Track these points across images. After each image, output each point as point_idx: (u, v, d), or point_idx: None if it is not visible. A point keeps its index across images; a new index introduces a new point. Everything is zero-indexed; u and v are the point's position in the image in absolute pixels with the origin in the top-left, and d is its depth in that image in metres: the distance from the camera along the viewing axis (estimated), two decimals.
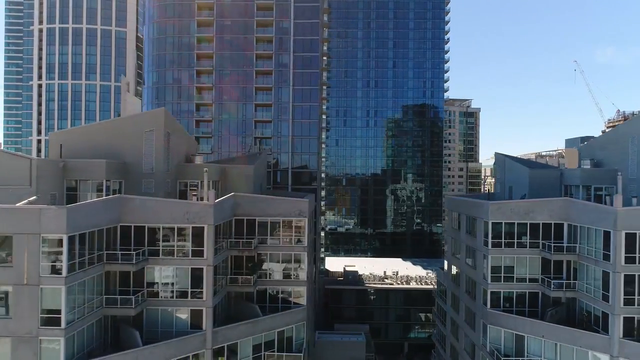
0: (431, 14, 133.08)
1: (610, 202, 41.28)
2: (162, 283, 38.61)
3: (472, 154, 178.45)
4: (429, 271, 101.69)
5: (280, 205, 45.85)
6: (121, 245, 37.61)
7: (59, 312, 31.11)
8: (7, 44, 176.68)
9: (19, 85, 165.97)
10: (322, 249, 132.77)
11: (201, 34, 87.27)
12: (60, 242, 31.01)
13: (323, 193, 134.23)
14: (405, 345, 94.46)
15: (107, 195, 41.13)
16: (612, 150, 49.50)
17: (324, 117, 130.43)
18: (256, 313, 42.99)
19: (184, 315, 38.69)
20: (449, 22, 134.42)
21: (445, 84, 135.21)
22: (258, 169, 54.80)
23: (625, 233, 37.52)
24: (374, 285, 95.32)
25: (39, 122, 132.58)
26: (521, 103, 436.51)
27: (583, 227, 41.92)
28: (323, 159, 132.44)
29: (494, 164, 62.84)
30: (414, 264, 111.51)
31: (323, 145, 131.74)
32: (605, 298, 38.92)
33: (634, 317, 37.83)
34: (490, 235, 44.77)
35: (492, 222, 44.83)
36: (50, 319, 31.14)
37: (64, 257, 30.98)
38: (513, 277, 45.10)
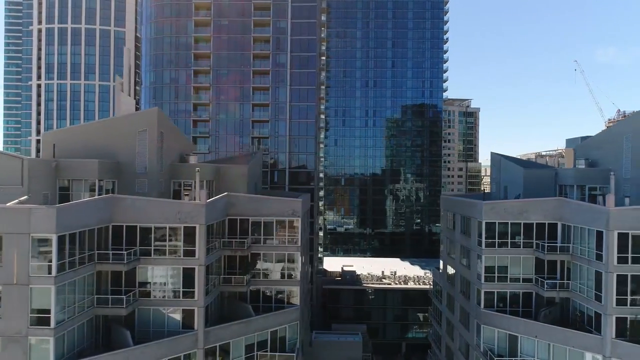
0: (430, 14, 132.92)
1: (603, 202, 41.15)
2: (154, 283, 38.60)
3: (471, 154, 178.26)
4: (427, 271, 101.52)
5: (274, 205, 45.81)
6: (113, 245, 37.61)
7: (48, 311, 31.14)
8: (6, 44, 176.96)
9: (18, 85, 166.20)
10: (321, 249, 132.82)
11: (199, 34, 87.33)
12: (49, 241, 30.99)
13: (322, 193, 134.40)
14: (403, 345, 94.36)
15: (100, 195, 41.15)
16: (607, 149, 49.36)
17: (322, 117, 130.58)
18: (249, 313, 42.95)
19: (175, 315, 38.68)
20: (447, 22, 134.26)
21: (444, 84, 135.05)
22: (253, 169, 54.76)
23: (618, 233, 37.40)
24: (372, 285, 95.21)
25: (38, 122, 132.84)
26: (521, 103, 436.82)
27: (576, 227, 41.81)
28: (322, 159, 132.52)
29: (490, 163, 62.72)
30: (412, 264, 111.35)
31: (322, 145, 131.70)
32: (598, 298, 38.80)
33: (626, 318, 37.69)
34: (484, 235, 44.67)
35: (486, 222, 44.71)
36: (40, 319, 31.16)
37: (54, 256, 30.99)
38: (507, 277, 44.95)
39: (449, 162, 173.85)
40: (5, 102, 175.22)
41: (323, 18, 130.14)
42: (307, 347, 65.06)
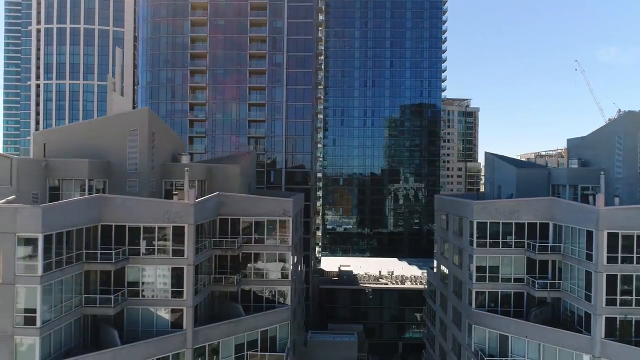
0: (428, 14, 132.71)
1: (594, 202, 40.98)
2: (143, 282, 38.58)
3: (471, 154, 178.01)
4: (425, 271, 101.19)
5: (265, 204, 45.77)
6: (102, 245, 37.61)
7: (34, 311, 31.14)
8: (6, 44, 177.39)
9: (17, 85, 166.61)
10: (319, 249, 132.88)
11: (195, 34, 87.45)
12: (35, 241, 30.99)
13: (320, 193, 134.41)
14: (399, 345, 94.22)
15: (90, 194, 41.15)
16: (599, 149, 49.21)
17: (320, 116, 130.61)
18: (239, 313, 42.90)
19: (164, 314, 38.67)
20: (446, 21, 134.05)
21: (442, 84, 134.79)
22: (246, 169, 54.73)
23: (608, 233, 37.27)
24: (369, 285, 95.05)
25: (37, 122, 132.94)
26: (521, 103, 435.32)
27: (567, 227, 41.68)
28: (320, 159, 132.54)
29: (484, 163, 62.60)
30: (409, 263, 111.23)
31: (320, 145, 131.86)
32: (588, 298, 38.68)
33: (615, 318, 37.55)
34: (475, 235, 44.57)
35: (477, 222, 44.61)
36: (26, 318, 31.17)
37: (39, 256, 30.98)
38: (498, 277, 44.84)
39: (448, 162, 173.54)
40: (5, 102, 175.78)
41: (321, 18, 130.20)
42: (302, 347, 65.06)
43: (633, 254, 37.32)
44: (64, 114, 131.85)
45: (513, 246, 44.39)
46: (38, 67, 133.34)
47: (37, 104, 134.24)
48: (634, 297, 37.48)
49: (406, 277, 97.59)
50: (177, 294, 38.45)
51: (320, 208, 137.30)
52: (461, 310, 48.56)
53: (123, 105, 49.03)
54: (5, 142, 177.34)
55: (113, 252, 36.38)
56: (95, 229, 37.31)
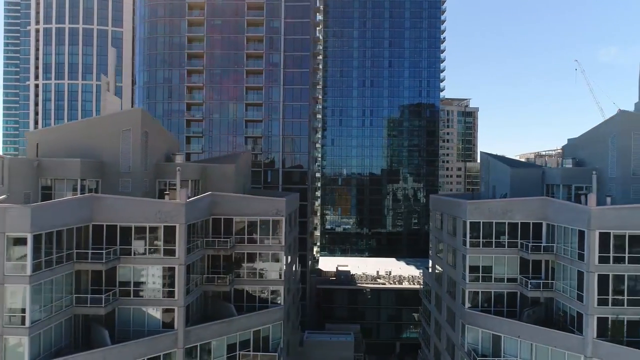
0: (427, 14, 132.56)
1: (586, 202, 40.87)
2: (135, 282, 38.56)
3: (470, 154, 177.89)
4: (422, 271, 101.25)
5: (258, 204, 45.74)
6: (94, 245, 37.61)
7: (23, 311, 31.16)
8: (6, 44, 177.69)
9: (17, 85, 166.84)
10: (318, 249, 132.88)
11: (192, 34, 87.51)
12: (24, 241, 30.99)
13: (318, 193, 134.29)
14: (397, 345, 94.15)
15: (83, 194, 41.15)
16: (593, 149, 49.10)
17: (318, 116, 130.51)
18: (231, 313, 42.86)
19: (156, 314, 38.66)
20: (444, 21, 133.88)
21: (441, 84, 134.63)
22: (240, 169, 54.71)
23: (599, 232, 37.16)
24: (366, 285, 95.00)
25: (36, 122, 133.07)
26: (521, 103, 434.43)
27: (560, 227, 41.59)
28: (318, 159, 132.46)
29: (480, 163, 62.51)
30: (407, 263, 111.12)
31: (318, 145, 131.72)
32: (580, 298, 38.58)
33: (607, 318, 37.44)
34: (468, 235, 44.49)
35: (470, 222, 44.52)
36: (15, 318, 31.16)
37: (28, 256, 31.01)
38: (491, 276, 44.75)
39: (447, 162, 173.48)
40: (5, 102, 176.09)
41: (320, 17, 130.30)
42: (297, 347, 65.03)
43: (625, 253, 37.21)
44: (63, 113, 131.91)
45: (506, 246, 44.30)
46: (37, 67, 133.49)
47: (36, 104, 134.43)
48: (625, 297, 37.37)
49: (404, 277, 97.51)
50: (168, 293, 38.46)
51: (319, 208, 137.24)
52: (455, 310, 48.49)
53: (117, 105, 48.96)
54: (4, 142, 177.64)
55: (104, 252, 36.35)
56: (86, 228, 37.31)
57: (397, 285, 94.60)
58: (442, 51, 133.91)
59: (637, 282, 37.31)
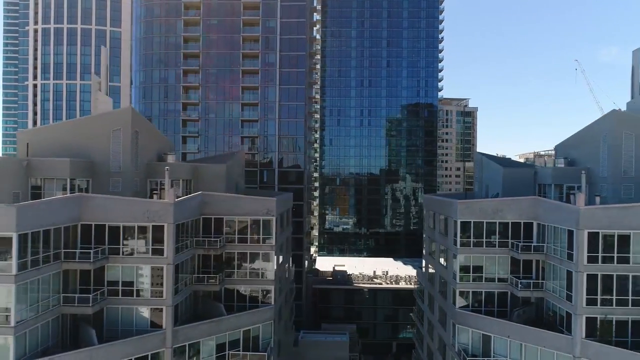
0: (425, 13, 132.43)
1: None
2: (123, 282, 38.53)
3: (469, 154, 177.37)
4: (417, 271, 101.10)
5: (248, 204, 45.70)
6: (82, 244, 37.60)
7: (8, 310, 31.12)
8: (5, 44, 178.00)
9: (16, 85, 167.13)
10: (316, 249, 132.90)
11: (188, 33, 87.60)
12: (10, 240, 30.97)
13: (317, 193, 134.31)
14: (393, 345, 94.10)
15: (73, 193, 41.15)
16: (585, 148, 48.97)
17: (316, 116, 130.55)
18: (221, 312, 42.82)
19: (144, 314, 38.62)
20: (442, 21, 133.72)
21: (439, 83, 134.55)
22: (232, 168, 54.67)
23: (588, 232, 37.05)
24: (363, 285, 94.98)
25: (35, 122, 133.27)
26: (521, 102, 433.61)
27: (550, 227, 41.48)
28: (316, 159, 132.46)
29: (474, 163, 62.38)
30: (404, 263, 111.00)
31: (316, 145, 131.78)
32: (569, 298, 38.45)
33: (596, 318, 37.31)
34: (458, 234, 44.39)
35: (461, 221, 44.42)
36: (0, 317, 31.13)
37: (14, 255, 30.96)
38: (482, 276, 44.65)
39: (446, 161, 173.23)
40: (4, 102, 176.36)
41: (318, 17, 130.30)
42: (290, 347, 65.01)
43: (614, 253, 37.09)
44: (61, 113, 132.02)
45: (497, 246, 44.18)
46: (35, 67, 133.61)
47: (35, 104, 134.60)
48: (614, 297, 37.24)
49: (401, 277, 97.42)
50: (156, 293, 38.42)
51: (317, 208, 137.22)
52: (446, 310, 48.39)
53: (108, 105, 49.00)
54: (4, 142, 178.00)
55: (92, 251, 36.33)
56: (74, 228, 37.31)
57: (394, 285, 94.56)
58: (441, 51, 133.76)
59: (626, 282, 37.15)
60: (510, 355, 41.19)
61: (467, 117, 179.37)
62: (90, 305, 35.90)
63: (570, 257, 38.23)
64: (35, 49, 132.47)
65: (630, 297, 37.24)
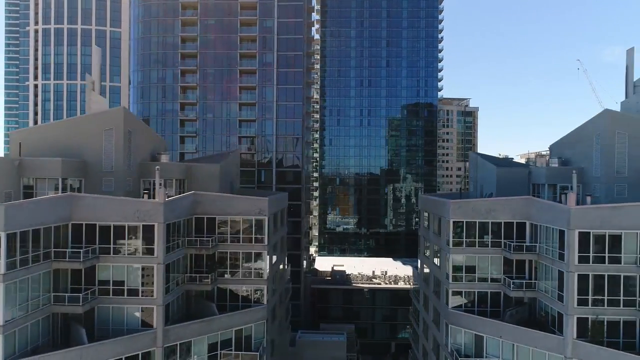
0: (424, 13, 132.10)
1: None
2: (114, 281, 38.61)
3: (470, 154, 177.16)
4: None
5: (240, 203, 45.71)
6: (73, 244, 37.71)
7: None
8: (6, 45, 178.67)
9: (17, 86, 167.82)
10: (316, 249, 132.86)
11: (185, 33, 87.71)
12: None
13: (316, 193, 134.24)
14: (392, 345, 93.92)
15: (65, 193, 41.24)
16: (578, 148, 48.75)
17: (315, 116, 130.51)
18: (213, 312, 42.84)
19: (135, 313, 38.69)
20: (442, 20, 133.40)
21: (439, 83, 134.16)
22: (226, 168, 54.69)
23: (579, 232, 36.89)
24: (361, 285, 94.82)
25: (35, 122, 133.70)
26: (522, 102, 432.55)
27: (542, 226, 41.32)
28: (316, 159, 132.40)
29: (469, 163, 62.25)
30: (404, 263, 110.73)
31: (316, 145, 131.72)
32: (561, 298, 38.30)
33: (587, 318, 37.15)
34: (451, 234, 44.28)
35: (454, 221, 44.30)
36: None
37: (2, 254, 31.06)
38: (475, 276, 44.50)
39: (446, 161, 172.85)
40: (6, 102, 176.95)
41: (317, 17, 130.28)
42: (287, 347, 65.01)
43: (605, 253, 36.93)
44: (62, 113, 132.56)
45: (490, 246, 44.03)
46: (36, 68, 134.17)
47: (36, 104, 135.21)
48: (605, 297, 37.08)
49: (399, 277, 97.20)
50: (147, 292, 38.49)
51: (317, 208, 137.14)
52: (440, 310, 48.28)
53: (102, 105, 49.07)
54: (6, 142, 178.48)
55: (82, 251, 36.38)
56: (65, 227, 37.42)
57: (392, 285, 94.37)
58: (440, 51, 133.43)
59: (617, 283, 36.98)
60: (502, 356, 41.05)
61: (468, 117, 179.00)
62: (81, 304, 35.98)
63: (561, 257, 38.08)
64: (36, 50, 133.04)
65: (621, 298, 37.08)
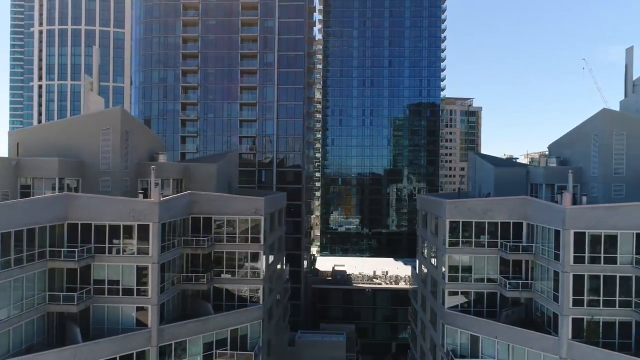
0: (427, 13, 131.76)
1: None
2: (109, 280, 38.76)
3: None
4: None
5: (236, 203, 45.79)
6: (69, 243, 37.88)
7: None
8: (12, 46, 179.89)
9: (22, 86, 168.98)
10: (318, 249, 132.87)
11: (187, 34, 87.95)
12: None
13: (318, 193, 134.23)
14: (392, 345, 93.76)
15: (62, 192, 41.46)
16: (577, 147, 48.48)
17: (318, 116, 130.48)
18: (208, 311, 42.93)
19: (130, 312, 38.81)
20: (445, 20, 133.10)
21: (442, 83, 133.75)
22: (224, 168, 54.79)
23: (574, 232, 36.67)
24: (362, 285, 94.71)
25: (40, 122, 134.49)
26: (526, 102, 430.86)
27: (539, 226, 41.12)
28: (318, 159, 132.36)
29: (468, 163, 62.06)
30: (405, 263, 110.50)
31: (318, 145, 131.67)
32: (556, 298, 38.09)
33: (582, 318, 36.93)
34: (447, 234, 44.14)
35: (450, 221, 44.19)
36: None
37: None
38: (471, 276, 44.35)
39: (450, 161, 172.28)
40: (11, 102, 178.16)
41: (320, 17, 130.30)
42: (285, 347, 65.05)
43: (600, 253, 36.70)
44: (66, 114, 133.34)
45: (486, 246, 43.86)
46: (40, 68, 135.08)
47: (40, 105, 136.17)
48: (601, 298, 36.85)
49: (400, 277, 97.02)
50: (142, 292, 38.61)
51: (319, 208, 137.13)
52: (436, 311, 48.16)
53: (100, 105, 49.36)
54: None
55: (77, 250, 36.55)
56: (61, 227, 37.60)
57: (393, 285, 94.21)
58: (443, 50, 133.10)
59: (613, 283, 36.74)
60: (498, 356, 40.90)
61: (472, 116, 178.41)
62: (75, 303, 36.14)
63: (557, 257, 37.86)
64: (40, 50, 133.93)
65: (617, 298, 36.84)
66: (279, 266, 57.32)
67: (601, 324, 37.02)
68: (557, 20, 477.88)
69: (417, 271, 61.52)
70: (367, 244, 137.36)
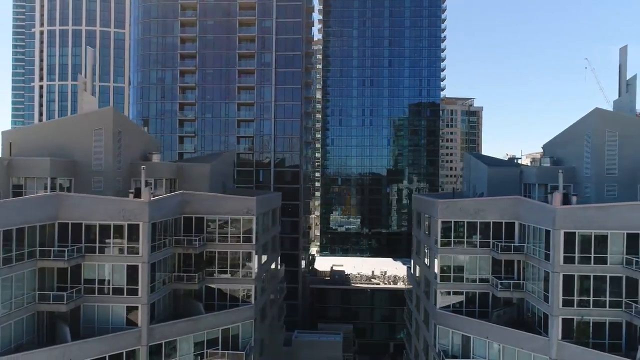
0: (427, 13, 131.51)
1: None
2: (99, 280, 38.89)
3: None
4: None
5: (228, 203, 45.83)
6: (60, 242, 37.99)
7: None
8: (14, 46, 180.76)
9: (23, 87, 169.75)
10: (318, 249, 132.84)
11: (185, 34, 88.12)
12: None
13: (318, 193, 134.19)
14: (390, 345, 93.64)
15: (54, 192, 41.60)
16: (570, 147, 48.30)
17: (318, 116, 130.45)
18: (199, 311, 42.99)
19: (120, 311, 38.90)
20: (445, 20, 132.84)
21: (442, 83, 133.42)
22: (218, 168, 54.85)
23: (564, 232, 36.53)
24: (360, 285, 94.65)
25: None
26: (527, 101, 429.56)
27: (530, 227, 41.00)
28: (318, 159, 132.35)
29: (463, 163, 61.87)
30: (404, 263, 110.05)
31: (318, 145, 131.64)
32: (547, 299, 37.96)
33: (572, 319, 36.78)
34: (439, 234, 44.07)
35: (442, 221, 44.10)
36: None
37: None
38: (463, 277, 44.25)
39: (450, 161, 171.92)
40: (13, 102, 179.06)
41: (319, 17, 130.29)
42: (280, 347, 65.07)
43: (590, 254, 36.55)
44: (67, 114, 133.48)
45: (478, 246, 43.75)
46: (41, 69, 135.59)
47: (41, 105, 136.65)
48: (591, 298, 36.69)
49: (399, 277, 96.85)
50: (132, 291, 38.68)
51: (318, 208, 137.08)
52: (429, 311, 48.07)
53: (94, 105, 49.52)
54: None
55: (67, 249, 36.67)
56: (52, 226, 37.73)
57: (391, 286, 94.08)
58: (443, 50, 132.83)
59: (603, 283, 36.58)
60: (489, 357, 40.79)
61: (472, 116, 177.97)
62: (65, 302, 36.24)
63: (547, 257, 37.74)
64: (41, 51, 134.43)
65: (607, 299, 36.68)
66: (273, 266, 57.33)
67: (591, 325, 36.87)
68: (557, 20, 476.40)
69: (412, 271, 61.41)
70: (367, 244, 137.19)
